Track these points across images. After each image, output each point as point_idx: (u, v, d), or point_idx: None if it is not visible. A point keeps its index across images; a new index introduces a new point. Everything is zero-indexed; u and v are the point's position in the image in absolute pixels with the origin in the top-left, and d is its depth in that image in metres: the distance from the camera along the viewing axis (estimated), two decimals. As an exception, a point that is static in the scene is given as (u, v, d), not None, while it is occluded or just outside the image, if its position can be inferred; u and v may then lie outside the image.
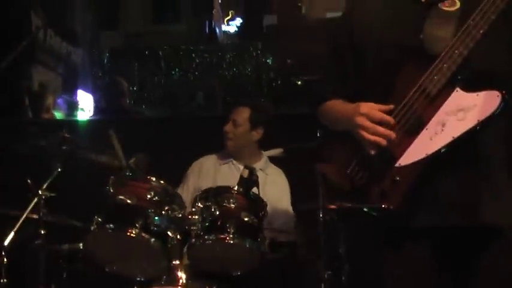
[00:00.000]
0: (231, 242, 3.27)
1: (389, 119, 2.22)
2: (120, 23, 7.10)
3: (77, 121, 5.78)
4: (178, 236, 3.25)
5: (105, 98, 5.99)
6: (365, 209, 2.30)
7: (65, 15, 6.72)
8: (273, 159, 4.21)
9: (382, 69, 2.31)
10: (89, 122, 5.60)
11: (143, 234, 3.17)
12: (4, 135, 3.61)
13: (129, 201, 3.23)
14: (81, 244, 3.57)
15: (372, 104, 2.26)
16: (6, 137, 4.14)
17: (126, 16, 7.06)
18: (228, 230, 3.27)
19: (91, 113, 6.01)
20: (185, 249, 3.36)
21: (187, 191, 4.08)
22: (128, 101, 5.60)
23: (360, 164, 2.31)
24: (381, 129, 2.21)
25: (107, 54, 6.59)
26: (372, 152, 2.23)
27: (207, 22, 7.89)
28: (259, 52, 7.55)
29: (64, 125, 5.64)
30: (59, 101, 6.13)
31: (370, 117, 2.23)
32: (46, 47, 6.17)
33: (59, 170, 3.44)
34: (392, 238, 2.30)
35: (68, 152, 3.61)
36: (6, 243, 3.23)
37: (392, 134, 2.20)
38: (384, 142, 2.20)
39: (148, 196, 3.25)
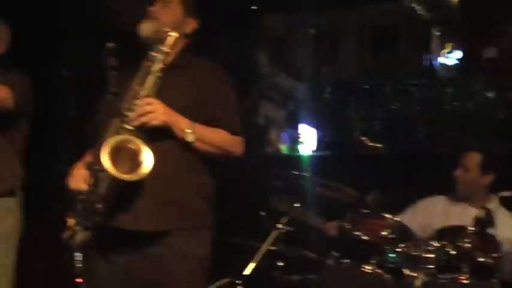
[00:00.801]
0: (466, 282, 3.23)
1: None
2: (339, 57, 7.20)
3: (301, 156, 5.93)
4: (414, 274, 3.25)
5: (332, 133, 6.12)
6: None
7: (288, 51, 6.96)
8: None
9: None
10: (313, 156, 5.76)
11: (378, 271, 3.22)
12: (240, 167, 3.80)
13: (365, 237, 3.29)
14: (312, 276, 3.68)
15: None
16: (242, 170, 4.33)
17: (344, 50, 7.15)
18: (463, 270, 3.24)
19: (312, 147, 6.14)
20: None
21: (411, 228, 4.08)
22: (358, 136, 5.69)
23: None
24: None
25: (329, 89, 6.71)
26: None
27: (424, 55, 7.77)
28: (480, 86, 7.32)
29: (289, 159, 5.85)
30: (283, 135, 6.36)
31: None
32: (271, 83, 6.44)
33: (297, 205, 3.56)
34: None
35: (302, 187, 3.75)
36: (246, 272, 3.39)
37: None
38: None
39: (384, 233, 3.29)
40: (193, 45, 3.08)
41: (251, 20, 5.99)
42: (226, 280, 3.65)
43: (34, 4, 5.01)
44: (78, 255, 4.92)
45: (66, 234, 2.75)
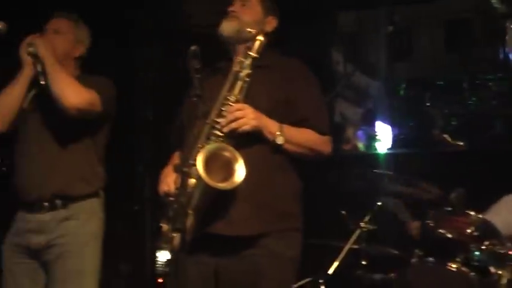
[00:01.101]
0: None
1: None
2: (414, 53, 7.11)
3: (378, 154, 5.88)
4: (500, 272, 3.20)
5: (410, 130, 6.05)
6: None
7: (361, 49, 6.91)
8: None
9: None
10: (391, 154, 5.70)
11: (463, 269, 3.18)
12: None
13: (449, 235, 3.25)
14: (394, 274, 3.66)
15: None
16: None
17: (418, 46, 7.06)
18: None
19: (389, 144, 6.09)
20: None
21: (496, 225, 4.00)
22: (439, 133, 5.62)
23: None
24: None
25: (403, 85, 6.63)
26: None
27: (500, 49, 7.57)
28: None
29: (367, 157, 5.80)
30: (359, 133, 6.32)
31: None
32: (346, 80, 6.41)
33: (379, 203, 3.55)
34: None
35: (382, 186, 3.73)
36: (330, 271, 3.39)
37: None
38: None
39: (469, 231, 3.25)
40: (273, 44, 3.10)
41: (325, 18, 5.97)
42: (308, 279, 3.66)
43: (112, 7, 5.10)
44: (161, 256, 5.01)
45: (160, 240, 2.81)
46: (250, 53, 2.83)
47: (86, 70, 3.55)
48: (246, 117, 2.75)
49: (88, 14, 3.60)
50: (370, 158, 5.88)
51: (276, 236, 2.81)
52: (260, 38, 2.85)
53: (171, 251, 2.66)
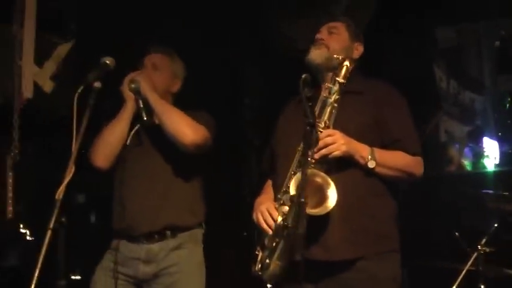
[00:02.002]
0: None
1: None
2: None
3: (486, 172, 5.72)
4: None
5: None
6: None
7: (464, 64, 6.76)
8: None
9: None
10: (498, 172, 5.53)
11: None
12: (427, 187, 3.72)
13: None
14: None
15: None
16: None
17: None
18: None
19: (497, 160, 5.91)
20: None
21: None
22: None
23: None
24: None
25: (508, 99, 6.44)
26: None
27: None
28: None
29: (474, 176, 5.64)
30: (466, 150, 6.17)
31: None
32: (449, 97, 6.28)
33: (496, 225, 3.43)
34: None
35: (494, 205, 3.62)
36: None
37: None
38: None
39: None
40: (368, 65, 3.10)
41: (425, 35, 5.88)
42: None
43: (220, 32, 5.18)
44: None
45: (256, 267, 2.84)
46: (338, 79, 2.85)
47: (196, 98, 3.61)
48: (337, 142, 2.76)
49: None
50: (479, 176, 5.70)
51: (374, 258, 2.81)
52: (347, 63, 2.88)
53: (268, 279, 2.68)
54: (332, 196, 2.65)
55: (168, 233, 3.39)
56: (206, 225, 3.57)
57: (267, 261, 2.78)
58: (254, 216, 2.95)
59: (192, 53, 4.48)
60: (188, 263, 3.42)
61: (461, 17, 5.97)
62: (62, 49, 4.00)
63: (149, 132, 3.48)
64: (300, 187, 2.46)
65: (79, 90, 2.96)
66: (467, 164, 5.99)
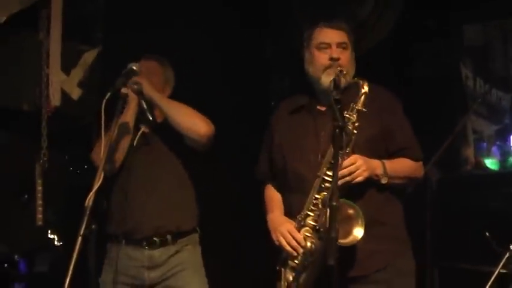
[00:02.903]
0: None
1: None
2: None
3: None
4: None
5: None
6: None
7: (490, 62, 6.70)
8: None
9: None
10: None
11: None
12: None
13: None
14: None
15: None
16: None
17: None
18: None
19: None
20: None
21: None
22: None
23: None
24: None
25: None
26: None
27: None
28: None
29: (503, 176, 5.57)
30: (493, 149, 6.11)
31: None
32: (476, 96, 6.23)
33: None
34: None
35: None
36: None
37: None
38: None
39: None
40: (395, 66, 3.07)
41: (451, 33, 5.84)
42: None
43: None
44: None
45: (282, 286, 2.90)
46: (358, 107, 2.81)
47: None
48: (359, 169, 2.77)
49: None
50: (508, 176, 5.63)
51: (398, 258, 2.93)
52: (365, 90, 2.82)
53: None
54: (358, 227, 2.69)
55: (169, 238, 3.41)
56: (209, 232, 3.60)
57: (291, 282, 2.86)
58: (275, 238, 2.97)
59: (219, 60, 4.49)
60: (191, 262, 3.48)
61: (487, 14, 5.92)
62: (89, 56, 4.02)
63: (151, 135, 3.50)
64: (332, 191, 2.44)
65: (107, 97, 2.98)
66: (492, 162, 5.91)
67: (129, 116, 3.39)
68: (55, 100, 3.77)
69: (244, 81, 5.04)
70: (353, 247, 2.75)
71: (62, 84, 3.83)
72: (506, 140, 6.09)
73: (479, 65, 6.49)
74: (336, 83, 2.56)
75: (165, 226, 3.40)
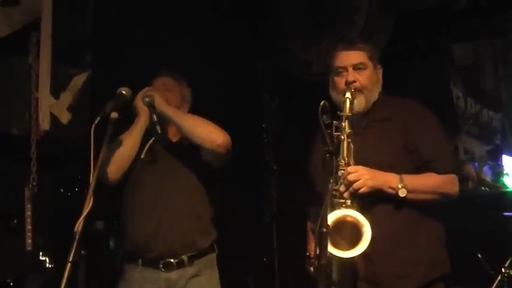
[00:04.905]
0: None
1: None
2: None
3: (507, 192, 5.64)
4: None
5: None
6: None
7: (480, 81, 6.72)
8: None
9: None
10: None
11: None
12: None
13: None
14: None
15: None
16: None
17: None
18: None
19: (518, 178, 5.84)
20: None
21: None
22: None
23: None
24: None
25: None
26: None
27: None
28: None
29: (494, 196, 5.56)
30: (485, 168, 6.11)
31: None
32: (467, 116, 6.24)
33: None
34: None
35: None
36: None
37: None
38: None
39: None
40: (385, 87, 3.05)
41: (441, 52, 5.86)
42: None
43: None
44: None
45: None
46: (343, 114, 2.80)
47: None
48: (361, 178, 2.72)
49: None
50: (499, 196, 5.63)
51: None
52: (348, 96, 2.81)
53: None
54: (366, 235, 2.61)
55: (186, 259, 3.36)
56: (224, 250, 3.54)
57: None
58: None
59: (211, 80, 4.48)
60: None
61: (476, 33, 5.95)
62: (78, 80, 4.00)
63: (163, 150, 3.49)
64: (322, 218, 2.43)
65: (96, 121, 2.97)
66: (488, 181, 5.92)
67: (138, 127, 3.40)
68: (44, 124, 3.74)
69: (235, 102, 5.05)
70: (374, 268, 2.73)
71: (51, 108, 3.81)
72: (498, 160, 6.10)
73: (469, 85, 6.50)
74: (324, 107, 2.55)
75: (178, 245, 3.36)
